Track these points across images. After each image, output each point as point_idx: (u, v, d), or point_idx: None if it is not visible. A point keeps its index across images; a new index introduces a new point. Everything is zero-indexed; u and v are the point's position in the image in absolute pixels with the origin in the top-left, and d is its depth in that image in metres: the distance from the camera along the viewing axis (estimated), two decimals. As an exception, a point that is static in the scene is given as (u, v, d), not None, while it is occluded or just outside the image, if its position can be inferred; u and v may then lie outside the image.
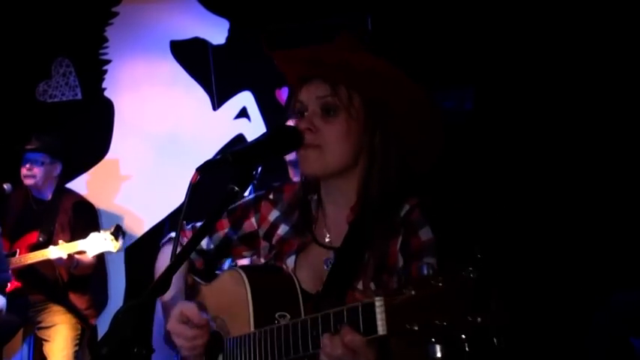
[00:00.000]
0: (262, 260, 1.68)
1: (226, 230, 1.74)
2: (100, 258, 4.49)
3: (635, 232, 3.68)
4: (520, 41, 4.04)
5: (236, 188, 1.38)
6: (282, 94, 4.65)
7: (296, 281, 1.54)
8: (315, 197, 1.64)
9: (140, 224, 4.85)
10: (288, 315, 1.48)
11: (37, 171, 4.14)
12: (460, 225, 1.53)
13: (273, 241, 1.66)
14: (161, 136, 4.87)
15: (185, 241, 1.76)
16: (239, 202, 1.74)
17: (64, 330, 4.05)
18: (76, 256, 3.87)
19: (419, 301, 1.09)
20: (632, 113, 3.81)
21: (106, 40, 5.00)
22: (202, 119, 4.80)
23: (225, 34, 4.79)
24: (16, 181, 4.23)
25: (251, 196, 1.75)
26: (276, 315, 1.50)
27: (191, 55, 4.86)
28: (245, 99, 4.74)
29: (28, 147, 4.14)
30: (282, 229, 1.65)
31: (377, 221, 1.49)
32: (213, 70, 4.79)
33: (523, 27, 4.02)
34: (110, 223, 4.69)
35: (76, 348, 4.08)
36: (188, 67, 4.88)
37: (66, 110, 5.07)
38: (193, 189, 1.41)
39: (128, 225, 4.82)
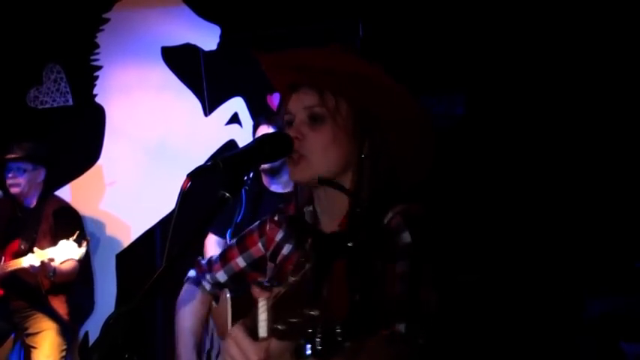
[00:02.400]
0: (265, 282, 1.68)
1: (237, 260, 1.77)
2: (86, 264, 4.48)
3: (625, 235, 3.70)
4: (511, 46, 4.06)
5: (227, 194, 1.38)
6: (274, 99, 4.65)
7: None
8: (310, 208, 1.62)
9: (130, 231, 4.84)
10: None
11: (21, 180, 4.13)
12: (447, 230, 1.53)
13: (277, 260, 1.66)
14: (152, 142, 4.86)
15: (207, 277, 1.82)
16: (246, 230, 1.77)
17: (50, 336, 4.02)
18: (52, 264, 3.84)
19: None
20: (623, 119, 3.83)
21: (97, 46, 4.99)
22: (194, 125, 4.79)
23: (217, 40, 4.79)
24: (4, 188, 4.21)
25: (257, 222, 1.77)
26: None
27: (182, 61, 4.85)
28: (236, 105, 4.74)
29: (9, 156, 4.12)
30: (287, 249, 1.65)
31: (363, 231, 1.49)
32: (204, 76, 4.79)
33: (514, 32, 4.05)
34: (100, 229, 4.70)
35: (64, 354, 4.05)
36: (179, 73, 4.87)
37: (57, 116, 5.05)
38: (184, 195, 1.41)
39: (118, 231, 4.82)
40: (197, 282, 1.85)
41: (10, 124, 5.01)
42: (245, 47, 4.69)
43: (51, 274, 3.85)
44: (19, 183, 4.12)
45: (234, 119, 4.74)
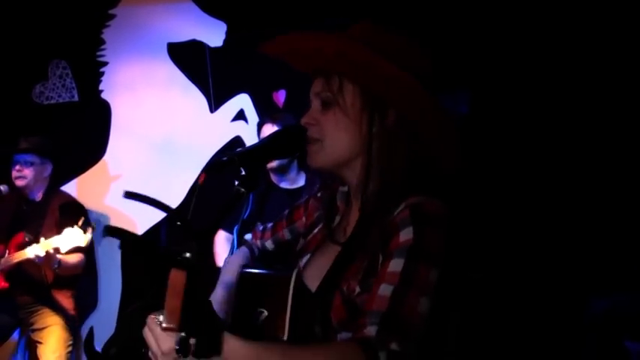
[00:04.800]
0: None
1: (283, 231, 1.82)
2: (91, 258, 4.49)
3: (630, 233, 3.70)
4: (516, 43, 4.06)
5: (242, 189, 1.39)
6: (279, 96, 4.66)
7: (292, 279, 1.55)
8: (345, 189, 1.61)
9: (135, 227, 4.85)
10: (265, 312, 1.53)
11: (27, 172, 4.14)
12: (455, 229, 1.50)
13: (307, 237, 1.68)
14: (158, 138, 4.87)
15: (257, 242, 1.87)
16: (297, 202, 1.80)
17: (56, 331, 4.03)
18: (59, 255, 3.85)
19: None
20: (629, 120, 3.83)
21: (103, 42, 5.00)
22: (199, 121, 4.80)
23: (223, 37, 4.80)
24: (11, 182, 4.22)
25: (306, 196, 1.80)
26: (253, 311, 1.55)
27: (188, 58, 4.86)
28: (242, 101, 4.74)
29: (17, 148, 4.13)
30: (318, 228, 1.67)
31: (374, 220, 1.46)
32: (210, 73, 4.79)
33: (519, 29, 4.04)
34: (105, 224, 4.71)
35: (69, 349, 4.06)
36: (185, 69, 4.87)
37: (62, 112, 5.07)
38: (201, 190, 1.42)
39: (124, 227, 4.82)
40: (249, 246, 1.89)
41: (15, 119, 5.03)
42: (251, 44, 4.70)
43: (55, 265, 3.85)
44: (25, 175, 4.13)
45: (240, 116, 4.74)
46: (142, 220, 4.83)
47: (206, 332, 1.20)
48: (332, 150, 1.49)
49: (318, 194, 1.73)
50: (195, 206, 1.40)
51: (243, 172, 1.39)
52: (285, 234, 1.82)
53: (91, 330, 4.68)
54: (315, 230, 1.66)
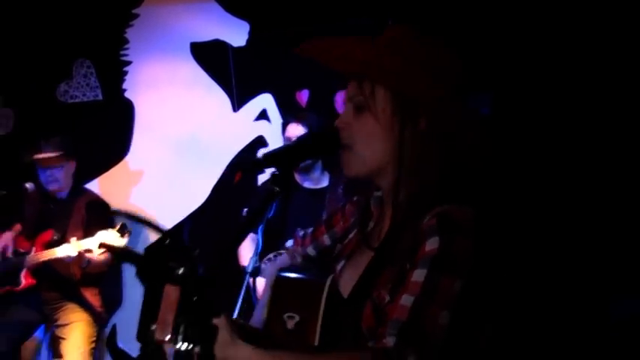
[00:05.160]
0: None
1: (324, 237, 1.79)
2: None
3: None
4: (539, 44, 4.04)
5: (276, 188, 1.40)
6: (302, 96, 4.67)
7: (327, 285, 1.54)
8: (380, 194, 1.59)
9: (158, 225, 4.88)
10: (297, 317, 1.52)
11: (59, 175, 4.18)
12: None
13: (344, 243, 1.67)
14: (181, 137, 4.89)
15: (299, 249, 1.85)
16: (336, 207, 1.79)
17: (80, 328, 4.06)
18: (87, 254, 3.89)
19: None
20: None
21: (126, 41, 5.03)
22: (222, 121, 4.82)
23: (246, 36, 4.81)
24: (35, 180, 4.26)
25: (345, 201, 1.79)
26: (285, 315, 1.55)
27: (211, 57, 4.88)
28: (265, 101, 4.76)
29: (44, 156, 4.15)
30: (353, 233, 1.66)
31: (405, 227, 1.44)
32: (233, 72, 4.81)
33: (541, 29, 4.03)
34: (128, 223, 4.73)
35: (93, 345, 4.09)
36: (208, 68, 4.90)
37: (86, 111, 5.10)
38: (236, 189, 1.44)
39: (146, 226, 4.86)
40: (291, 253, 1.89)
41: (40, 118, 5.07)
42: (274, 43, 4.71)
43: (85, 264, 3.89)
44: (57, 178, 4.17)
45: (263, 115, 4.76)
46: (164, 218, 4.85)
47: (199, 344, 1.24)
48: (365, 157, 1.47)
49: (354, 199, 1.72)
50: (233, 205, 1.41)
51: (277, 172, 1.40)
52: (326, 240, 1.79)
53: (114, 328, 4.70)
54: (351, 235, 1.66)
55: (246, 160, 1.36)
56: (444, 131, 1.47)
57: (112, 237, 3.87)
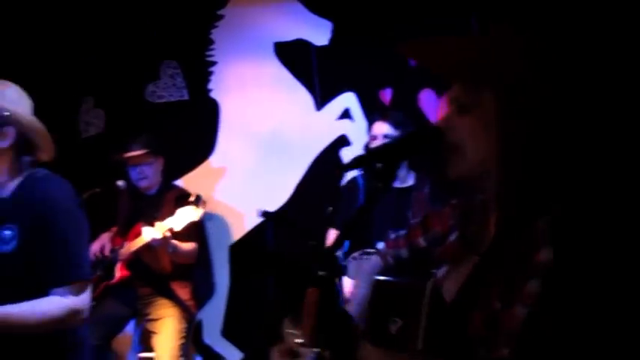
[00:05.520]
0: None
1: (419, 239, 1.78)
2: (205, 249, 4.61)
3: None
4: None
5: (380, 185, 1.39)
6: (386, 95, 4.66)
7: (427, 289, 1.52)
8: (483, 197, 1.53)
9: (243, 223, 4.95)
10: (399, 321, 1.50)
11: (148, 172, 4.29)
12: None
13: (443, 246, 1.65)
14: (265, 136, 4.95)
15: (390, 251, 1.85)
16: (432, 210, 1.78)
17: (171, 323, 4.15)
18: (174, 241, 3.98)
19: None
20: None
21: (211, 42, 5.12)
22: (305, 120, 4.86)
23: (328, 36, 4.83)
24: (127, 178, 4.39)
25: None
26: (388, 319, 1.54)
27: (294, 57, 4.92)
28: (348, 100, 4.76)
29: (133, 154, 4.27)
30: (454, 235, 1.63)
31: (512, 232, 1.38)
32: (316, 71, 4.84)
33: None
34: (214, 220, 4.82)
35: (183, 341, 4.18)
36: (291, 68, 4.94)
37: (173, 110, 5.23)
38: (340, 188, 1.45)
39: (231, 223, 4.94)
40: (383, 255, 1.88)
41: (129, 118, 5.22)
42: (357, 42, 4.72)
43: (172, 250, 3.99)
44: (147, 176, 4.29)
45: (346, 114, 4.77)
46: (248, 218, 4.92)
47: (341, 347, 1.23)
48: (470, 158, 1.43)
49: (454, 201, 1.69)
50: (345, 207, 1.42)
51: (379, 168, 1.38)
52: (421, 242, 1.77)
53: (200, 323, 4.80)
54: (451, 238, 1.63)
55: (352, 159, 1.36)
56: (547, 134, 1.43)
57: (189, 210, 3.95)
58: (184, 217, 3.95)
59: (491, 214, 1.51)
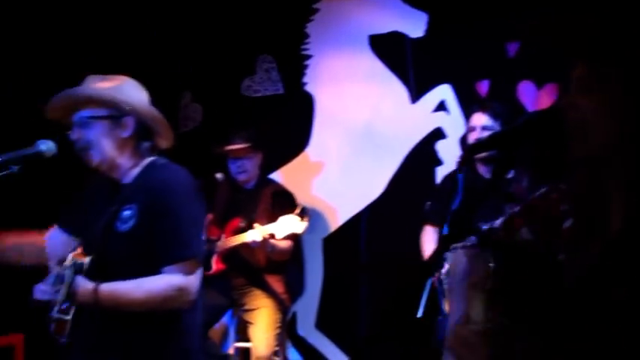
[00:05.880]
0: None
1: (522, 229, 1.75)
2: (298, 245, 4.66)
3: None
4: None
5: (499, 170, 1.35)
6: (483, 86, 4.55)
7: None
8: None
9: (337, 216, 4.96)
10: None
11: (248, 165, 4.36)
12: None
13: (556, 233, 1.60)
14: (360, 128, 4.94)
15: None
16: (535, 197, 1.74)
17: (266, 313, 4.21)
18: (272, 240, 4.03)
19: None
20: None
21: (307, 36, 5.15)
22: (400, 113, 4.81)
23: (424, 27, 4.76)
24: (226, 171, 4.46)
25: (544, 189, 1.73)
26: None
27: (389, 49, 4.88)
28: (443, 92, 4.68)
29: (234, 147, 4.33)
30: (569, 222, 1.58)
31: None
32: (411, 64, 4.79)
33: None
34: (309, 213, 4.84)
35: (278, 331, 4.23)
36: (386, 60, 4.90)
37: (268, 104, 5.29)
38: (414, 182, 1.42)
39: (326, 216, 4.95)
40: (472, 252, 1.89)
41: (225, 111, 5.32)
42: (453, 34, 4.63)
43: (269, 249, 4.05)
44: (246, 169, 4.36)
45: (441, 107, 4.69)
46: (343, 209, 4.93)
47: None
48: (593, 139, 1.39)
49: (560, 187, 1.63)
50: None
51: (496, 156, 1.35)
52: (524, 233, 1.72)
53: (294, 315, 4.85)
54: (567, 224, 1.56)
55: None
56: None
57: (293, 221, 3.99)
58: (287, 226, 3.99)
59: (614, 197, 1.44)
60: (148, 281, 2.20)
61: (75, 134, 2.32)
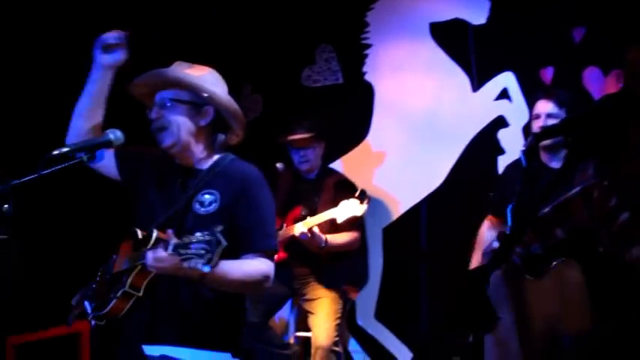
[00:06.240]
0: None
1: (557, 229, 1.71)
2: (361, 235, 4.65)
3: None
4: None
5: (574, 155, 1.31)
6: (547, 73, 4.45)
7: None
8: None
9: (397, 206, 4.93)
10: None
11: (311, 155, 4.36)
12: None
13: (614, 228, 1.56)
14: (420, 118, 4.89)
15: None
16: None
17: (327, 303, 4.21)
18: (328, 237, 4.05)
19: None
20: None
21: (366, 25, 5.12)
22: (461, 101, 4.74)
23: (486, 14, 4.68)
24: (288, 161, 4.48)
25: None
26: None
27: (450, 37, 4.81)
28: (506, 80, 4.59)
29: (298, 137, 4.35)
30: (625, 215, 1.53)
31: None
32: (472, 51, 4.71)
33: None
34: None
35: (339, 321, 4.23)
36: (447, 48, 4.83)
37: (328, 94, 5.28)
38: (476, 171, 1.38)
39: (386, 206, 4.93)
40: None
41: (285, 101, 5.34)
42: (516, 21, 4.54)
43: (322, 244, 4.05)
44: (309, 159, 4.37)
45: (504, 95, 4.61)
46: (404, 198, 4.90)
47: None
48: None
49: (606, 182, 1.58)
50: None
51: (569, 143, 1.31)
52: (559, 234, 1.67)
53: (353, 305, 4.84)
54: (623, 217, 1.51)
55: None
56: None
57: (353, 204, 3.99)
58: (348, 210, 4.00)
59: None
60: (245, 264, 2.29)
61: (155, 113, 2.39)
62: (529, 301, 1.79)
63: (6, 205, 2.06)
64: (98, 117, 2.51)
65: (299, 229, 4.04)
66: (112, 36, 2.42)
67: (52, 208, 4.68)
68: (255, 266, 2.30)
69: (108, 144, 2.32)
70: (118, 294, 2.27)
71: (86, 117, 2.49)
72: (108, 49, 2.43)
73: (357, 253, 4.48)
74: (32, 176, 2.17)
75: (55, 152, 2.25)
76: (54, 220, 4.73)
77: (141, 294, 2.26)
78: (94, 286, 2.51)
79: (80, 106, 2.51)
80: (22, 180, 2.14)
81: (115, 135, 2.33)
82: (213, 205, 2.32)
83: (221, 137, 2.46)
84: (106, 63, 2.44)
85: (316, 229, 4.02)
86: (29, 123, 4.69)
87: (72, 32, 4.54)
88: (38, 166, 2.18)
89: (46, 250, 4.59)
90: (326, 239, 4.07)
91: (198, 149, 2.42)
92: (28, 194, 2.20)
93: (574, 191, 1.67)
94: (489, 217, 3.82)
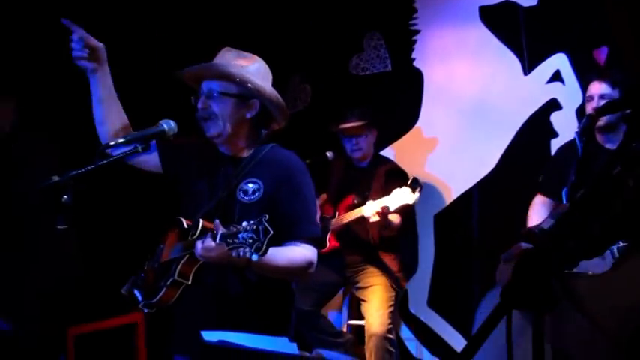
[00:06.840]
0: None
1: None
2: (412, 222, 4.64)
3: None
4: None
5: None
6: (601, 54, 4.34)
7: None
8: None
9: (449, 192, 4.89)
10: None
11: (363, 144, 4.37)
12: None
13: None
14: (471, 103, 4.83)
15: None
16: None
17: (379, 291, 4.23)
18: (389, 217, 4.04)
19: None
20: None
21: (415, 10, 5.08)
22: (512, 85, 4.66)
23: (537, -5, 4.59)
24: (340, 150, 4.49)
25: None
26: None
27: (500, 20, 4.73)
28: (558, 62, 4.49)
29: (351, 125, 4.36)
30: None
31: None
32: (523, 34, 4.62)
33: None
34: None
35: (392, 309, 4.24)
36: (497, 31, 4.75)
37: (377, 82, 5.26)
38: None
39: (438, 192, 4.89)
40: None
41: (335, 91, 5.34)
42: (567, 0, 4.45)
43: (386, 226, 4.08)
44: (361, 147, 4.38)
45: (556, 77, 4.51)
46: (455, 185, 4.85)
47: None
48: None
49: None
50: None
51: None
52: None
53: (406, 292, 4.83)
54: None
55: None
56: None
57: (405, 193, 3.98)
58: (400, 198, 4.00)
59: None
60: (289, 250, 2.32)
61: (202, 103, 2.41)
62: (602, 298, 1.74)
63: (65, 196, 2.11)
64: (119, 117, 2.54)
65: (371, 209, 4.01)
66: (73, 44, 2.40)
67: (103, 199, 4.77)
68: (299, 253, 2.33)
69: (162, 134, 2.36)
70: (168, 282, 2.31)
71: (106, 122, 2.53)
72: (81, 56, 2.41)
73: (407, 240, 4.47)
74: (90, 167, 2.23)
75: (112, 143, 2.31)
76: (105, 211, 4.82)
77: (189, 282, 2.31)
78: (142, 275, 2.56)
79: (96, 115, 2.54)
80: (80, 171, 2.19)
81: (169, 125, 2.37)
82: (257, 193, 2.35)
83: (264, 130, 2.49)
84: (89, 67, 2.45)
85: (380, 209, 4.00)
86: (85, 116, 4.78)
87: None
88: (95, 158, 2.23)
89: (99, 241, 4.68)
90: (390, 221, 4.10)
91: (242, 139, 2.45)
92: (84, 186, 2.26)
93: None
94: (539, 196, 3.75)
